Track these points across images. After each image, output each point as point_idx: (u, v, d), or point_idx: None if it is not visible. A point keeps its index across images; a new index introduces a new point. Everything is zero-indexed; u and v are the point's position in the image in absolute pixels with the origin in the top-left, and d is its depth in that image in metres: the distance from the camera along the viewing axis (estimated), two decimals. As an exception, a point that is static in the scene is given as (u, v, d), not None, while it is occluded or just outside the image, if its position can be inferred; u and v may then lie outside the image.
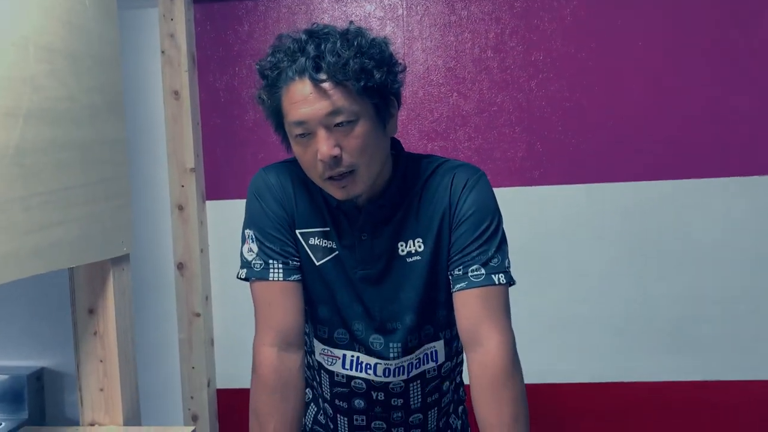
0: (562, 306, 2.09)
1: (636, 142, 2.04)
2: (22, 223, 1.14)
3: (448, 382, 1.29)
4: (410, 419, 1.25)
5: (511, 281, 1.15)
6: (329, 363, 1.24)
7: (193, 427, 1.43)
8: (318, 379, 1.29)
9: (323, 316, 1.21)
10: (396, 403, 1.23)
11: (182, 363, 2.18)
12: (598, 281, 2.08)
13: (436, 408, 1.27)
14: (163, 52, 2.12)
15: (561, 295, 2.09)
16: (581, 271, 2.08)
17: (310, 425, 1.36)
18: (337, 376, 1.24)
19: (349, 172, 1.05)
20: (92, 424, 1.47)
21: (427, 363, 1.22)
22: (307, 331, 1.26)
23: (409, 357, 1.20)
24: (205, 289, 2.19)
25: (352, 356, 1.20)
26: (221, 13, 2.16)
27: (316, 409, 1.35)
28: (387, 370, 1.19)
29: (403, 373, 1.21)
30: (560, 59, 2.06)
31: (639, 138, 2.04)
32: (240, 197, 2.19)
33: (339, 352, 1.22)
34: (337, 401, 1.26)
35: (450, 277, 1.14)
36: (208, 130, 2.20)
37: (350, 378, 1.22)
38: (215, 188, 2.21)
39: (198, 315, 2.17)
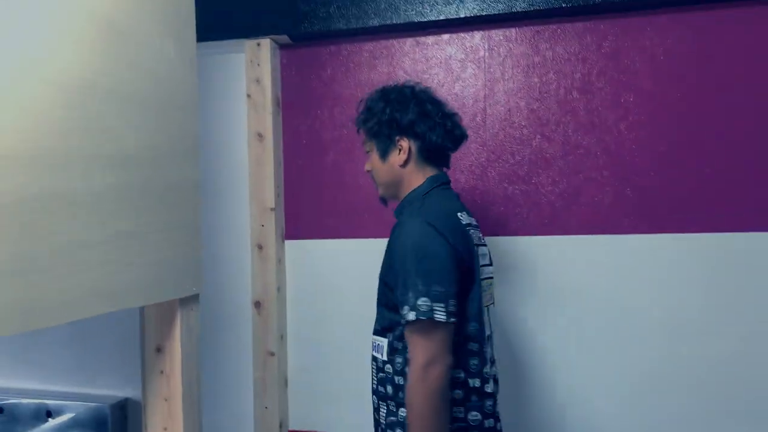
0: (654, 363, 1.93)
1: (734, 189, 1.87)
2: (98, 263, 1.18)
3: (391, 389, 1.47)
4: (372, 398, 1.55)
5: (423, 316, 1.33)
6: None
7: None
8: None
9: None
10: (371, 375, 1.56)
11: (256, 403, 2.19)
12: (691, 338, 1.90)
13: (385, 405, 1.49)
14: (249, 96, 2.19)
15: (651, 351, 1.93)
16: (671, 328, 1.91)
17: None
18: None
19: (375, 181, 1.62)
20: (155, 463, 1.49)
21: (377, 351, 1.53)
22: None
23: (374, 336, 1.54)
24: (280, 328, 2.20)
25: None
26: (306, 58, 2.21)
27: None
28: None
29: (372, 347, 1.55)
30: (652, 101, 1.94)
31: (737, 185, 1.87)
32: (317, 237, 2.20)
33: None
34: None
35: None
36: (290, 171, 2.23)
37: None
38: (294, 228, 2.23)
39: (272, 354, 2.17)
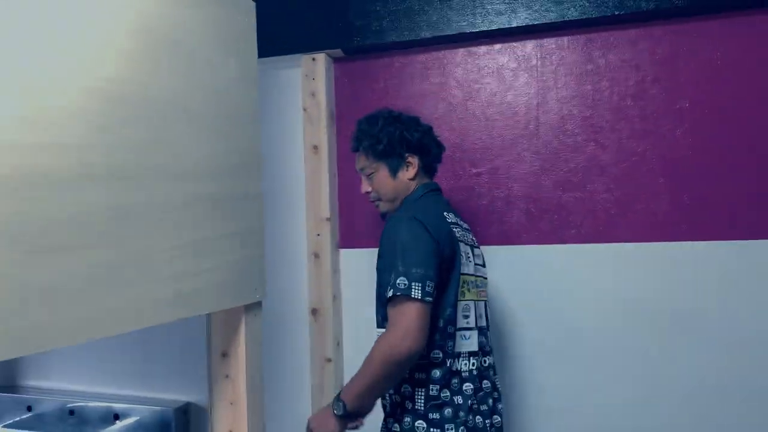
0: (722, 375, 1.90)
1: (801, 194, 1.83)
2: (167, 272, 1.24)
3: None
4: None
5: (399, 292, 1.47)
6: None
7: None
8: None
9: None
10: None
11: (314, 408, 2.23)
12: (752, 347, 1.86)
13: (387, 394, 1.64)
14: (304, 109, 2.25)
15: (712, 360, 1.90)
16: (732, 336, 1.88)
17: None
18: None
19: (378, 199, 1.76)
20: (222, 464, 1.54)
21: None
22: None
23: (377, 330, 1.65)
24: (336, 335, 2.25)
25: None
26: (358, 71, 2.26)
27: None
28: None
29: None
30: (707, 107, 1.92)
31: (804, 190, 1.83)
32: (371, 246, 2.25)
33: None
34: None
35: None
36: (344, 181, 2.28)
37: None
38: (348, 237, 2.28)
39: (329, 360, 2.22)
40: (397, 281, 1.47)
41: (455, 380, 1.57)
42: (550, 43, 2.06)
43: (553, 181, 2.05)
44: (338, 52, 2.24)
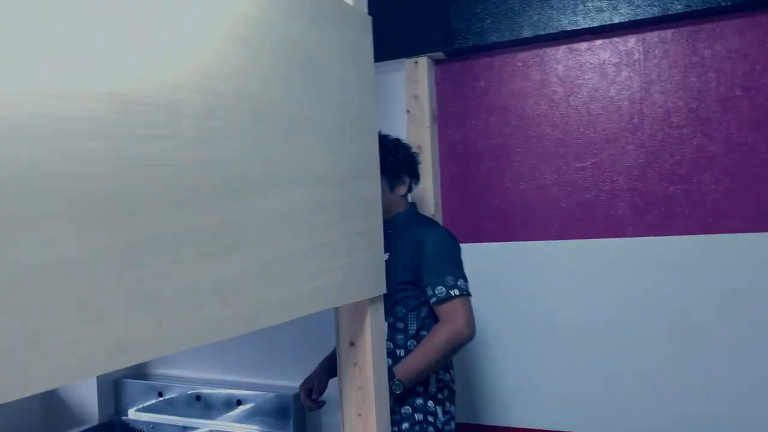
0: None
1: None
2: (303, 270, 1.38)
3: (390, 361, 1.92)
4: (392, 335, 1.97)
5: (465, 292, 1.84)
6: None
7: (437, 458, 1.55)
8: None
9: None
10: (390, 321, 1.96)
11: (423, 395, 2.34)
12: None
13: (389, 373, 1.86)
14: (408, 111, 2.35)
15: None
16: None
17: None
18: None
19: None
20: (351, 445, 1.68)
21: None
22: None
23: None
24: (443, 327, 2.34)
25: None
26: (459, 72, 2.34)
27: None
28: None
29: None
30: (824, 92, 1.88)
31: None
32: (474, 240, 2.33)
33: None
34: None
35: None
36: (446, 179, 2.37)
37: None
38: (454, 232, 2.36)
39: (437, 351, 2.31)
40: (458, 282, 1.84)
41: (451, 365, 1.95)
42: (652, 37, 2.07)
43: (659, 174, 2.06)
44: (440, 55, 2.33)
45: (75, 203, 0.88)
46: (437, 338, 1.82)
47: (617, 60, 2.12)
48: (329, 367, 2.11)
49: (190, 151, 1.08)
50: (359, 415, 1.67)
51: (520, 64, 2.26)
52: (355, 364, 1.68)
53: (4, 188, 0.80)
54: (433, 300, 1.85)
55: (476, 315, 2.42)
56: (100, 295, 0.91)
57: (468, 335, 1.81)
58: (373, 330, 1.68)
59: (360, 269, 1.59)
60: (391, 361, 1.95)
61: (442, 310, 1.84)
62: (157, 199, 1.01)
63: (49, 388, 0.84)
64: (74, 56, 0.90)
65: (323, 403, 2.04)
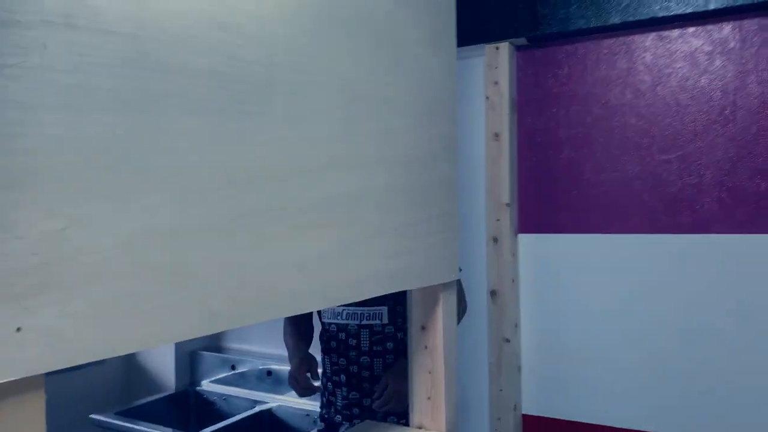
0: None
1: None
2: (380, 251, 1.39)
3: (392, 344, 1.91)
4: (361, 359, 1.90)
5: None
6: (323, 316, 1.96)
7: (507, 445, 1.55)
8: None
9: None
10: (351, 343, 1.90)
11: (491, 385, 2.33)
12: None
13: (381, 359, 1.89)
14: (487, 98, 2.33)
15: None
16: None
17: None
18: (325, 324, 1.96)
19: None
20: (419, 428, 1.69)
21: (373, 318, 1.88)
22: None
23: (361, 308, 1.87)
24: (514, 316, 2.32)
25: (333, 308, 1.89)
26: (541, 59, 2.30)
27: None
28: (348, 314, 1.88)
29: (357, 319, 1.88)
30: None
31: None
32: (550, 231, 2.29)
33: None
34: (325, 344, 1.97)
35: None
36: (524, 168, 2.34)
37: (329, 324, 1.94)
38: (528, 222, 2.34)
39: (508, 341, 2.30)
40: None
41: None
42: (751, 24, 1.97)
43: (751, 169, 1.97)
44: (522, 41, 2.29)
45: (171, 176, 0.93)
46: None
47: (710, 48, 2.03)
48: (306, 344, 2.09)
49: (281, 128, 1.11)
50: (429, 398, 1.68)
51: (605, 51, 2.19)
52: (426, 347, 1.69)
53: (108, 158, 0.84)
54: None
55: (549, 308, 2.40)
56: (193, 263, 0.96)
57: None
58: (445, 314, 1.68)
59: (435, 252, 1.60)
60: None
61: None
62: (248, 175, 1.05)
63: (143, 348, 0.89)
64: (172, 32, 0.93)
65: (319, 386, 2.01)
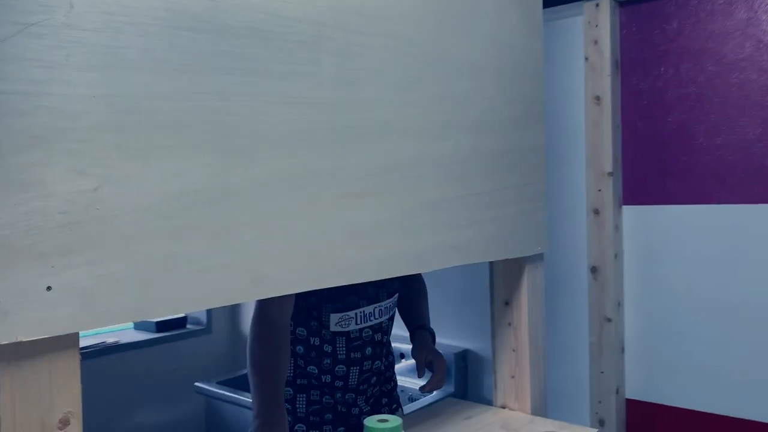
0: None
1: None
2: (453, 219, 1.32)
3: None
4: (384, 352, 1.64)
5: None
6: (345, 326, 1.55)
7: (596, 430, 1.43)
8: (331, 349, 1.57)
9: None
10: (385, 340, 1.63)
11: (591, 366, 2.19)
12: None
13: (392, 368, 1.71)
14: (586, 58, 2.16)
15: None
16: None
17: (305, 411, 1.58)
18: (353, 332, 1.56)
19: None
20: (503, 407, 1.61)
21: (393, 308, 1.66)
22: (315, 315, 1.53)
23: (382, 303, 1.60)
24: (617, 294, 2.16)
25: (361, 312, 1.56)
26: (647, 13, 2.10)
27: (312, 392, 1.59)
28: (380, 311, 1.59)
29: (387, 314, 1.62)
30: None
31: None
32: (658, 203, 2.10)
33: (352, 313, 1.55)
34: (352, 354, 1.57)
35: None
36: (628, 133, 2.15)
37: (361, 329, 1.57)
38: (633, 193, 2.16)
39: (609, 320, 2.15)
40: None
41: None
42: None
43: None
44: (624, -5, 2.10)
45: (211, 135, 0.90)
46: (424, 285, 1.80)
47: None
48: None
49: (330, 89, 1.06)
50: (512, 377, 1.59)
51: (721, 1, 1.96)
52: (509, 324, 1.60)
53: (141, 117, 0.83)
54: None
55: (656, 286, 2.21)
56: (236, 226, 0.93)
57: None
58: (531, 290, 1.58)
59: (516, 224, 1.50)
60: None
61: None
62: (294, 137, 1.01)
63: (183, 312, 0.88)
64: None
65: None
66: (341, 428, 1.58)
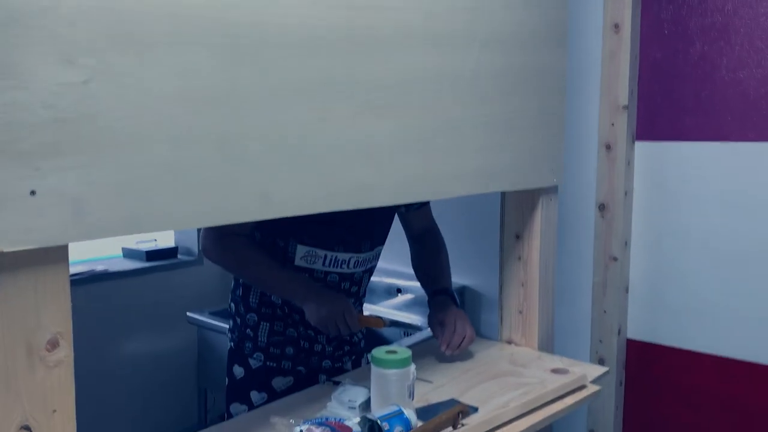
0: None
1: None
2: (472, 144, 1.23)
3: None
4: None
5: None
6: (311, 262, 1.47)
7: (607, 369, 1.39)
8: None
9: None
10: (353, 290, 1.56)
11: (594, 306, 2.15)
12: None
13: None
14: (606, -17, 2.03)
15: None
16: None
17: (266, 341, 1.52)
18: (318, 272, 1.49)
19: None
20: (509, 342, 1.56)
21: (374, 260, 1.60)
22: (282, 245, 1.47)
23: (365, 254, 1.53)
24: (625, 233, 2.10)
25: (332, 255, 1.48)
26: (675, -66, 1.96)
27: (275, 323, 1.53)
28: (356, 262, 1.52)
29: (364, 266, 1.55)
30: None
31: None
32: (673, 139, 2.01)
33: (321, 252, 1.47)
34: None
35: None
36: (646, 65, 2.05)
37: (327, 273, 1.49)
38: (647, 128, 2.07)
39: (615, 259, 2.09)
40: None
41: None
42: None
43: None
44: None
45: (216, 33, 0.80)
46: (443, 243, 1.73)
47: None
48: None
49: (344, -12, 0.95)
50: (520, 312, 1.53)
51: None
52: (519, 258, 1.54)
53: (137, 3, 0.72)
54: (420, 204, 1.65)
55: (666, 227, 2.15)
56: (242, 136, 0.84)
57: None
58: (544, 223, 1.51)
59: (534, 152, 1.41)
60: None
61: (424, 213, 1.69)
62: (303, 42, 0.90)
63: (182, 228, 0.80)
64: None
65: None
66: (301, 368, 1.54)
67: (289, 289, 1.45)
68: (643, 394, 2.12)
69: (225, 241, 1.45)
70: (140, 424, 2.73)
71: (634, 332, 2.14)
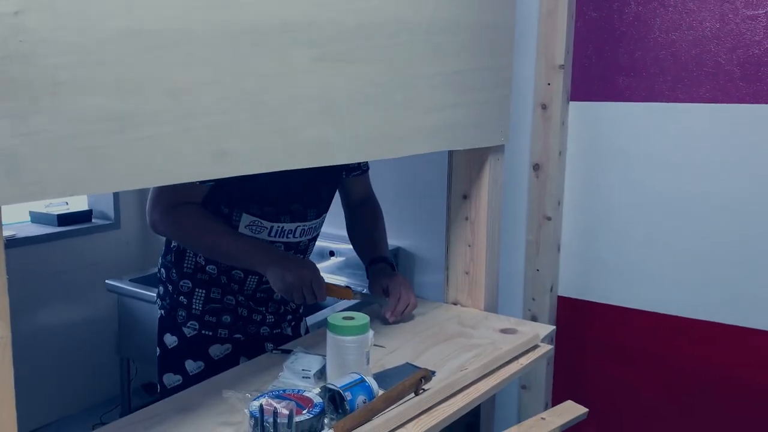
0: None
1: None
2: (428, 101, 1.17)
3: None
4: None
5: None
6: (255, 232, 1.41)
7: (553, 327, 1.40)
8: None
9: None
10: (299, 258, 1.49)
11: (527, 264, 2.17)
12: None
13: None
14: (545, -61, 2.00)
15: None
16: None
17: (201, 309, 1.45)
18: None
19: None
20: (455, 303, 1.54)
21: (318, 229, 1.55)
22: (226, 212, 1.39)
23: (311, 222, 1.48)
24: (558, 193, 2.12)
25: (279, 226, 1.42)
26: None
27: (212, 290, 1.45)
28: (302, 231, 1.46)
29: (309, 234, 1.50)
30: None
31: None
32: (607, 99, 2.03)
33: (267, 224, 1.41)
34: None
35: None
36: (582, 24, 2.05)
37: (272, 243, 1.43)
38: (581, 88, 2.08)
39: (549, 219, 2.11)
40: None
41: None
42: None
43: None
44: None
45: (167, -38, 0.70)
46: (380, 212, 1.70)
47: None
48: None
49: None
50: (466, 273, 1.52)
51: None
52: (467, 218, 1.51)
53: None
54: (361, 170, 1.64)
55: (599, 186, 2.19)
56: (193, 84, 0.75)
57: None
58: (491, 183, 1.49)
59: (484, 111, 1.37)
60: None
61: (363, 180, 1.68)
62: (264, -23, 0.81)
63: (129, 188, 0.70)
64: None
65: None
66: (238, 335, 1.47)
67: (251, 256, 1.36)
68: (574, 350, 2.18)
69: (178, 212, 1.34)
70: (60, 398, 2.58)
71: (565, 289, 2.18)
